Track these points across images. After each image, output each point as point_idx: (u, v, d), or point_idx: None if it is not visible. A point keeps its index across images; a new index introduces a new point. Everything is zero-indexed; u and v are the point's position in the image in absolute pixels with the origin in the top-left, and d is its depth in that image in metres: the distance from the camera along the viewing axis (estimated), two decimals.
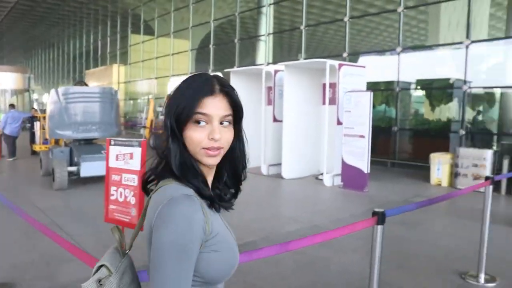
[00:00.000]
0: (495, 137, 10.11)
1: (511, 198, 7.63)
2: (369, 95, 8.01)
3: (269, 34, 15.95)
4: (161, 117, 11.31)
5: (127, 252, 1.18)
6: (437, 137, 11.14)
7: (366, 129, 7.97)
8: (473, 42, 9.71)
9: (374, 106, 9.90)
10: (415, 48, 12.14)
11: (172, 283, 0.96)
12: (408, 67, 11.20)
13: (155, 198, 1.08)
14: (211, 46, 18.46)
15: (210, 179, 1.16)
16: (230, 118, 1.12)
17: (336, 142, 8.56)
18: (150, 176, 1.14)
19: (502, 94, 10.05)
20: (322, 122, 9.24)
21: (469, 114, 10.51)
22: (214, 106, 1.07)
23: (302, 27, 14.06)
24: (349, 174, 8.29)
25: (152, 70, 23.25)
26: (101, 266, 1.12)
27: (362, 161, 8.08)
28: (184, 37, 20.38)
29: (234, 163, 1.19)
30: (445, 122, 11.43)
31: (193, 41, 19.98)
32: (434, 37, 12.72)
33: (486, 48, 10.40)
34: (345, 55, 12.30)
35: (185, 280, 0.98)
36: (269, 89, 10.36)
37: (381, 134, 11.93)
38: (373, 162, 8.85)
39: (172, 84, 18.64)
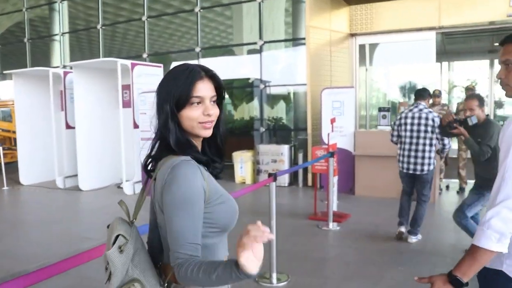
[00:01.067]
0: (292, 133, 10.75)
1: (307, 190, 8.03)
2: None
3: (63, 33, 14.26)
4: None
5: (133, 221, 1.40)
6: (242, 135, 11.35)
7: None
8: (265, 42, 10.15)
9: None
10: (214, 48, 12.21)
11: (187, 227, 1.24)
12: (210, 67, 11.09)
13: (161, 171, 1.32)
14: None
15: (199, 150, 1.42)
16: (215, 97, 1.39)
17: (135, 147, 7.85)
18: (148, 160, 1.42)
19: (295, 92, 10.74)
20: (119, 126, 8.40)
21: (269, 112, 10.98)
22: (205, 89, 1.35)
23: (98, 26, 12.91)
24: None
25: None
26: (117, 235, 1.30)
27: None
28: None
29: (219, 134, 1.47)
30: (248, 121, 11.76)
31: None
32: (239, 39, 13.03)
33: (279, 50, 11.04)
34: (144, 55, 11.66)
35: (198, 223, 1.26)
36: (62, 93, 9.09)
37: None
38: None
39: None
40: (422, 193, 4.87)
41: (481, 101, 4.00)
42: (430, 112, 4.80)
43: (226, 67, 12.14)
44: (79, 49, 17.03)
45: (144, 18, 11.80)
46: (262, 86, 10.16)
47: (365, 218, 6.01)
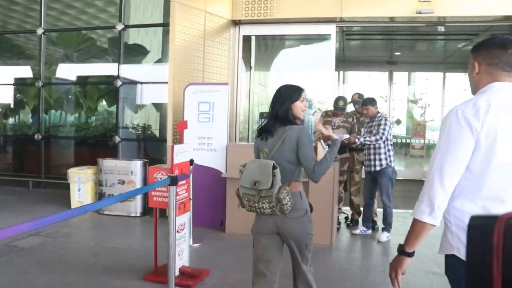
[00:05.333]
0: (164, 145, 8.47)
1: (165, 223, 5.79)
2: None
3: None
4: None
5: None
6: (97, 146, 8.79)
7: None
8: (127, 27, 7.87)
9: None
10: (61, 31, 9.41)
11: (312, 152, 2.59)
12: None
13: (293, 130, 2.56)
14: None
15: None
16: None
17: None
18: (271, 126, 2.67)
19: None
20: None
21: (133, 117, 8.63)
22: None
23: None
24: None
25: None
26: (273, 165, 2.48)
27: None
28: None
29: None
30: (109, 128, 9.18)
31: None
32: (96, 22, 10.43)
33: (149, 37, 8.79)
34: None
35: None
36: None
37: (23, 144, 8.90)
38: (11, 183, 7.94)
39: None
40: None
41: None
42: None
43: (83, 57, 9.54)
44: None
45: None
46: (119, 83, 7.78)
47: (234, 275, 3.96)
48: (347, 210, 6.02)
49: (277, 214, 2.47)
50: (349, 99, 5.83)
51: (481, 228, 0.69)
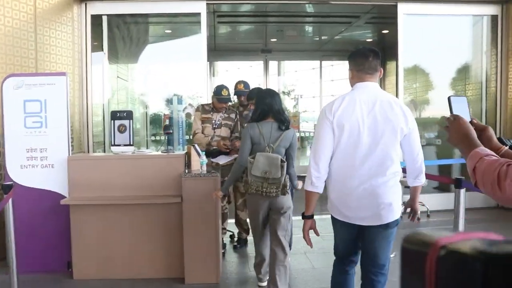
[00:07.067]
0: None
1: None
2: None
3: None
4: None
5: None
6: None
7: None
8: None
9: None
10: None
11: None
12: None
13: (288, 132, 3.16)
14: None
15: None
16: None
17: None
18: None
19: None
20: None
21: None
22: None
23: None
24: None
25: None
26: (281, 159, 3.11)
27: None
28: None
29: None
30: None
31: None
32: None
33: None
34: None
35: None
36: None
37: None
38: None
39: None
40: None
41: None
42: None
43: None
44: None
45: None
46: None
47: None
48: (232, 223, 4.93)
49: (278, 195, 3.07)
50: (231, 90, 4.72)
51: (414, 254, 0.59)
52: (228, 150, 4.23)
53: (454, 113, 1.34)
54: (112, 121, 3.92)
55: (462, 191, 3.11)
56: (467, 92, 6.82)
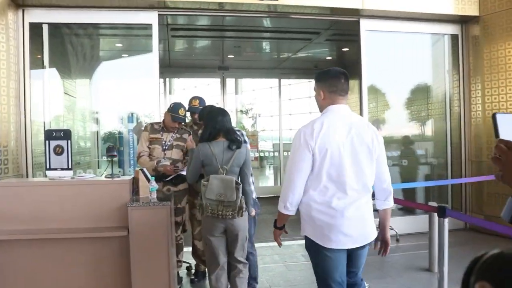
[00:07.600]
0: None
1: None
2: None
3: None
4: None
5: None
6: None
7: None
8: None
9: None
10: None
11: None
12: None
13: (240, 150, 3.09)
14: None
15: None
16: None
17: None
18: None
19: None
20: None
21: None
22: None
23: None
24: None
25: None
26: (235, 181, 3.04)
27: None
28: None
29: None
30: None
31: None
32: None
33: None
34: None
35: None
36: None
37: None
38: None
39: None
40: None
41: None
42: None
43: None
44: None
45: None
46: None
47: None
48: (188, 252, 4.42)
49: (234, 217, 2.97)
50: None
51: None
52: (177, 174, 3.78)
53: (502, 136, 0.95)
54: (47, 141, 3.36)
55: (446, 220, 2.81)
56: (431, 111, 6.73)
